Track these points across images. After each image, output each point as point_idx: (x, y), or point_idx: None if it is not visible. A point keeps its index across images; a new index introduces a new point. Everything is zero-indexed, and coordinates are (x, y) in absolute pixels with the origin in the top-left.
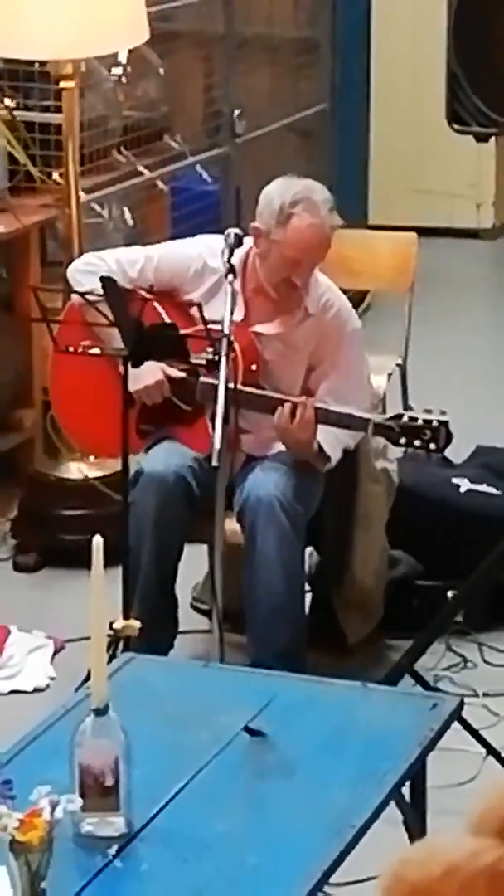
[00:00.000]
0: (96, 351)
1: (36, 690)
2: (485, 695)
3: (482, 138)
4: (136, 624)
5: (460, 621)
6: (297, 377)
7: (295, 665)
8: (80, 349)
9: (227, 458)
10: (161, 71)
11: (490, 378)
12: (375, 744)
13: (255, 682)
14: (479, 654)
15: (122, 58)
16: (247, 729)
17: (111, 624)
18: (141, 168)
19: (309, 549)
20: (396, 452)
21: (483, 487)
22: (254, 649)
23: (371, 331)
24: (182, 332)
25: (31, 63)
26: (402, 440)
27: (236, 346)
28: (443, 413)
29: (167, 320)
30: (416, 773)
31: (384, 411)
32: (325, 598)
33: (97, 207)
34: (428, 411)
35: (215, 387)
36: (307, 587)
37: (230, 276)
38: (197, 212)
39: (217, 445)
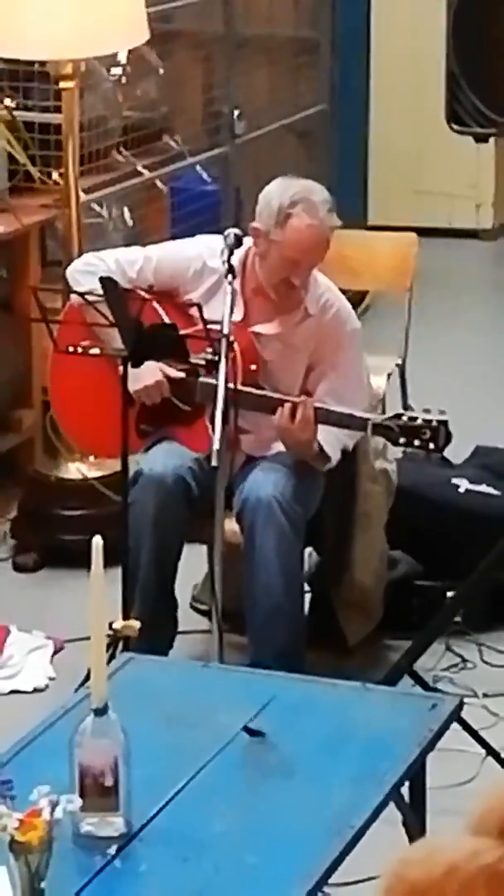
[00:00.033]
0: (96, 351)
1: (36, 690)
2: (484, 695)
3: (481, 139)
4: (136, 624)
5: (459, 622)
6: (296, 377)
7: (294, 665)
8: (79, 349)
9: (226, 458)
10: (161, 71)
11: (490, 378)
12: (375, 744)
13: (254, 682)
14: (479, 655)
15: (122, 58)
16: (246, 729)
17: (111, 624)
18: (140, 168)
19: (308, 550)
20: (396, 452)
21: (482, 488)
22: (253, 649)
23: (370, 331)
24: (182, 332)
25: (31, 63)
26: (402, 440)
27: (236, 346)
28: (442, 413)
29: (167, 320)
30: (416, 774)
31: (383, 411)
32: (324, 598)
33: (97, 207)
34: (427, 411)
35: (215, 387)
36: (306, 587)
37: (229, 277)
38: (196, 212)
39: (217, 446)
